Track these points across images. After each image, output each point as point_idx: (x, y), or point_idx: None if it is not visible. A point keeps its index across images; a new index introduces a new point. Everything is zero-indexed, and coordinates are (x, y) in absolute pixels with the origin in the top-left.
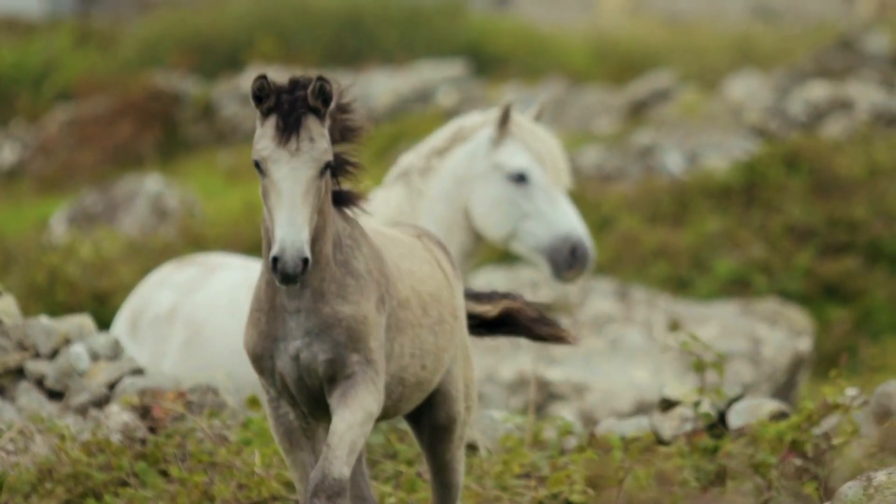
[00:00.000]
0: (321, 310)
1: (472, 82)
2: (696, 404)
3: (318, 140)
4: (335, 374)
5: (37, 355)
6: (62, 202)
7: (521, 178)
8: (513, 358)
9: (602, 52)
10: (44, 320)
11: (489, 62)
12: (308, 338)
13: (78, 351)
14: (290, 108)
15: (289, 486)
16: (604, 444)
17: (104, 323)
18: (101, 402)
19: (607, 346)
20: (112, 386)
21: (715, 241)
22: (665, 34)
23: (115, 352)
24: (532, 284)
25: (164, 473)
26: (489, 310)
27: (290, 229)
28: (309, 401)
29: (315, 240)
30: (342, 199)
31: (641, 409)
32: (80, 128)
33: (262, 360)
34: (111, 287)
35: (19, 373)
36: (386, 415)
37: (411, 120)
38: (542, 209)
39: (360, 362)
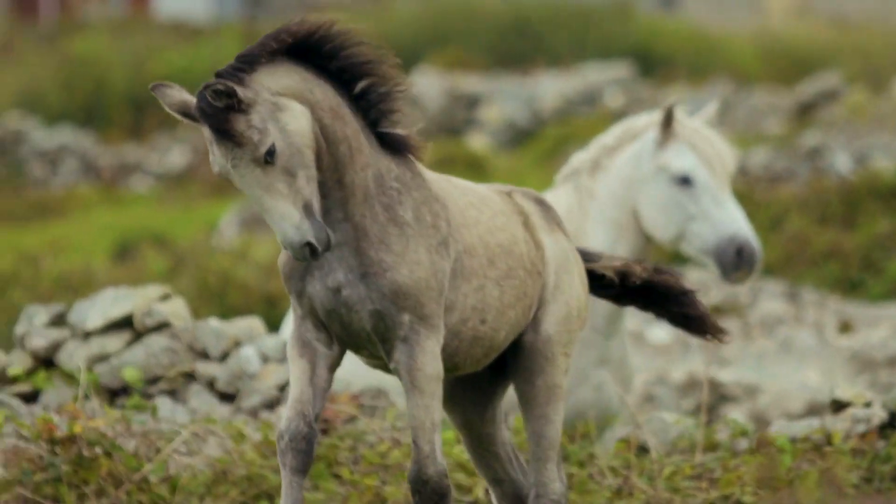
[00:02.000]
0: (366, 251)
1: (639, 84)
2: (868, 405)
3: (245, 143)
4: (386, 334)
5: (207, 358)
6: (232, 205)
7: (685, 180)
8: (684, 360)
9: (769, 53)
10: (214, 323)
11: (656, 63)
12: (352, 275)
13: (248, 353)
14: (209, 122)
15: (460, 488)
16: (774, 446)
17: (274, 325)
18: (272, 405)
19: (778, 348)
20: (283, 388)
21: (885, 241)
22: (833, 34)
23: (286, 354)
24: (702, 286)
25: (337, 476)
26: (605, 267)
27: (278, 228)
28: (342, 331)
29: (340, 171)
30: (387, 142)
31: (813, 410)
32: None
33: (290, 280)
34: (282, 289)
35: (190, 375)
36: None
37: (578, 122)
38: (708, 210)
39: (412, 322)
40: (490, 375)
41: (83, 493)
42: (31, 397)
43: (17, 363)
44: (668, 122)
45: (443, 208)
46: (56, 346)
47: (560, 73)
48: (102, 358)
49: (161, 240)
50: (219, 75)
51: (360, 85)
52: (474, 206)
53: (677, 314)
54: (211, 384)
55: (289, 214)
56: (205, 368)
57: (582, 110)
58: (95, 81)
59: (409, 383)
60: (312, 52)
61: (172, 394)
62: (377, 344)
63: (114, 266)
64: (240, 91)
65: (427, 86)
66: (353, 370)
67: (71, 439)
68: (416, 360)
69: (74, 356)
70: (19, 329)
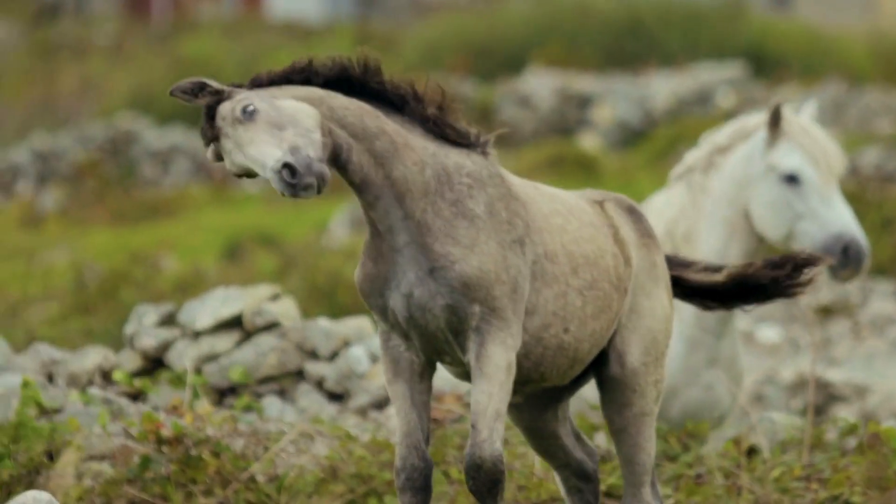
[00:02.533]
0: (431, 245)
1: (751, 84)
2: None
3: (222, 113)
4: (458, 326)
5: (317, 357)
6: (342, 205)
7: (793, 179)
8: (793, 359)
9: (882, 53)
10: (323, 322)
11: (769, 63)
12: (421, 273)
13: (357, 353)
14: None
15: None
16: (883, 446)
17: None
18: (381, 405)
19: (889, 348)
20: None
21: None
22: None
23: None
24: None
25: (445, 474)
26: (715, 277)
27: (260, 166)
28: (420, 339)
29: (386, 166)
30: (454, 141)
31: None
32: None
33: (370, 297)
34: None
35: (299, 375)
36: (528, 379)
37: (690, 123)
38: (815, 209)
39: (483, 313)
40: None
41: (191, 492)
42: (139, 396)
43: (126, 363)
44: (775, 121)
45: (522, 208)
46: (166, 346)
47: (672, 73)
48: (212, 358)
49: (271, 240)
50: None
51: (408, 98)
52: (560, 214)
53: (780, 289)
54: (320, 384)
55: (267, 154)
56: (314, 368)
57: (694, 110)
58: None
59: (477, 370)
60: (348, 85)
61: (281, 393)
62: (453, 344)
63: (224, 266)
64: (218, 86)
65: (538, 86)
66: None
67: (178, 439)
68: (485, 348)
69: (184, 356)
70: (129, 329)
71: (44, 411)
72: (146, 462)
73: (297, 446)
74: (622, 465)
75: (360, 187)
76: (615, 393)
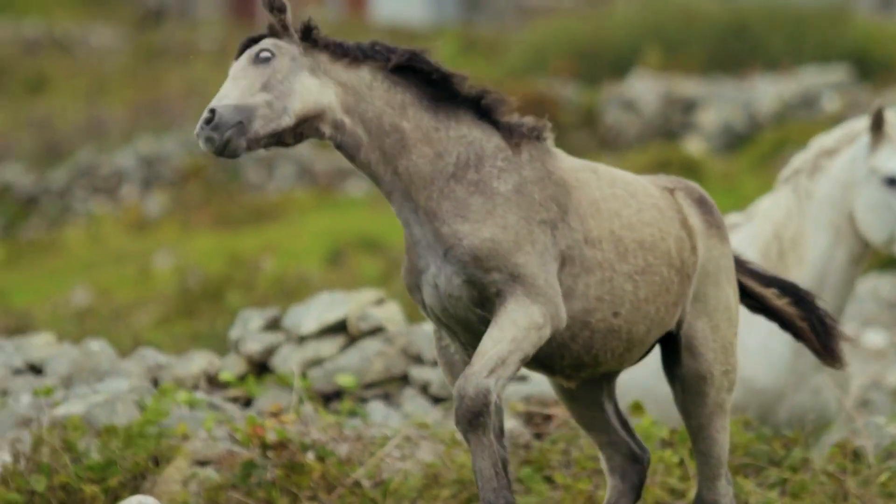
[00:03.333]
0: (439, 230)
1: (856, 87)
2: None
3: (260, 45)
4: (482, 300)
5: (421, 362)
6: None
7: (894, 182)
8: None
9: None
10: (428, 327)
11: (874, 67)
12: (438, 260)
13: None
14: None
15: (673, 492)
16: None
17: None
18: None
19: None
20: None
21: None
22: None
23: None
24: None
25: (549, 479)
26: (769, 298)
27: (216, 98)
28: (463, 331)
29: (392, 162)
30: (502, 128)
31: None
32: None
33: (412, 293)
34: None
35: (404, 379)
36: (581, 363)
37: (795, 126)
38: None
39: (504, 280)
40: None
41: (295, 497)
42: (245, 401)
43: (231, 367)
44: (878, 124)
45: (564, 194)
46: (270, 351)
47: (777, 77)
48: (316, 362)
49: (375, 244)
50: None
51: (468, 91)
52: (618, 198)
53: (811, 347)
54: (425, 388)
55: (227, 95)
56: (419, 373)
57: (799, 114)
58: None
59: (494, 321)
60: (411, 69)
61: (386, 398)
62: (486, 321)
63: (328, 270)
64: (287, 19)
65: (643, 89)
66: None
67: (283, 444)
68: (507, 306)
69: (289, 360)
70: (234, 333)
71: (152, 417)
72: (251, 467)
73: (401, 451)
74: (697, 459)
75: (375, 183)
76: (688, 385)
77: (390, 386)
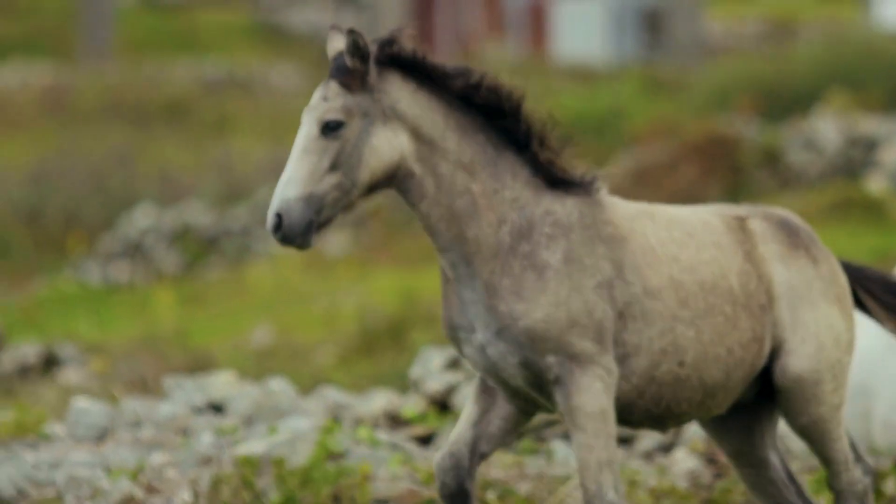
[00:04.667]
0: (496, 307)
1: None
2: None
3: (331, 99)
4: (539, 382)
5: None
6: None
7: None
8: None
9: None
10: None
11: None
12: (489, 333)
13: None
14: (338, 59)
15: None
16: None
17: None
18: (667, 448)
19: None
20: (677, 432)
21: None
22: None
23: None
24: None
25: None
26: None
27: (277, 188)
28: (505, 391)
29: (460, 225)
30: (558, 185)
31: None
32: (644, 172)
33: (452, 342)
34: None
35: None
36: (654, 416)
37: None
38: None
39: (561, 363)
40: (755, 405)
41: None
42: (426, 440)
43: (412, 406)
44: None
45: (617, 249)
46: (451, 389)
47: None
48: None
49: None
50: (384, 41)
51: (533, 141)
52: (676, 241)
53: None
54: None
55: (293, 183)
56: None
57: None
58: None
59: (571, 422)
60: (486, 104)
61: (566, 437)
62: (539, 399)
63: None
64: (370, 66)
65: (825, 128)
66: None
67: None
68: (572, 400)
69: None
70: (415, 372)
71: (330, 455)
72: None
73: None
74: (824, 466)
75: (430, 234)
76: (786, 403)
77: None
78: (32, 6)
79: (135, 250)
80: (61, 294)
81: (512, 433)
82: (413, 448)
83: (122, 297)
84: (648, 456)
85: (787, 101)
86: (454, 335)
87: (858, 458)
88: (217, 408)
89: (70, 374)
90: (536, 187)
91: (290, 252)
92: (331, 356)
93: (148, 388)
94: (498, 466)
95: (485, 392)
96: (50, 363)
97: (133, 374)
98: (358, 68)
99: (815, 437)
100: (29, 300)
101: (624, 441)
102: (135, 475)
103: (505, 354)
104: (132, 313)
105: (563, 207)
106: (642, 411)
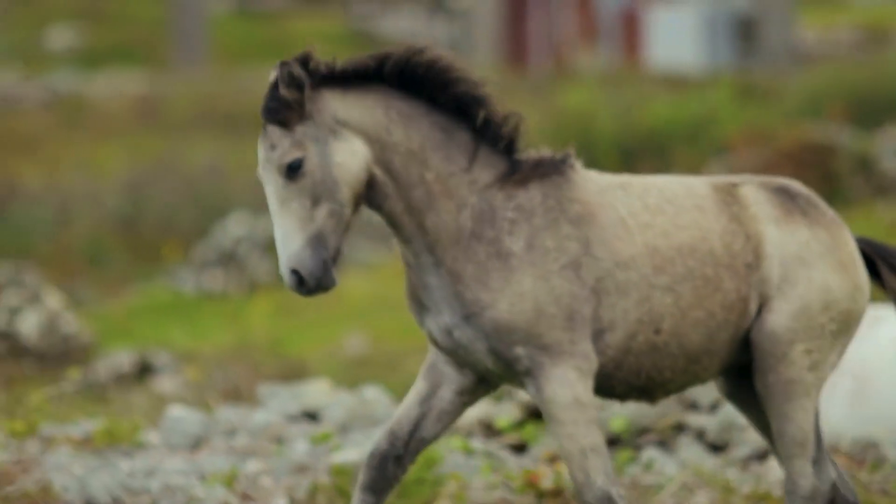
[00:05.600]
0: (463, 293)
1: None
2: None
3: (278, 144)
4: (507, 371)
5: (697, 409)
6: None
7: None
8: None
9: None
10: None
11: None
12: (456, 318)
13: None
14: (270, 101)
15: None
16: None
17: None
18: (762, 456)
19: None
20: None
21: None
22: None
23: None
24: None
25: None
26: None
27: (278, 247)
28: (464, 366)
29: (418, 216)
30: (519, 168)
31: None
32: None
33: (413, 314)
34: None
35: (679, 426)
36: (639, 388)
37: None
38: None
39: (530, 356)
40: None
41: None
42: (520, 449)
43: (506, 414)
44: None
45: (584, 226)
46: None
47: None
48: None
49: None
50: (301, 61)
51: (480, 117)
52: (649, 208)
53: None
54: (700, 435)
55: (291, 236)
56: (694, 420)
57: None
58: (584, 131)
59: (546, 415)
60: (421, 83)
61: (662, 445)
62: (505, 379)
63: None
64: (306, 94)
65: None
66: (848, 419)
67: (557, 491)
68: (544, 392)
69: None
70: None
71: (426, 463)
72: None
73: (677, 498)
74: (775, 439)
75: (392, 228)
76: (758, 360)
77: (665, 432)
78: (126, 15)
79: (228, 259)
80: (155, 302)
81: (468, 406)
82: (507, 456)
83: (216, 305)
84: (744, 464)
85: (880, 108)
86: (419, 313)
87: (820, 457)
88: (311, 416)
89: (164, 383)
90: (495, 168)
91: (385, 259)
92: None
93: (242, 396)
94: None
95: (431, 369)
96: (144, 371)
97: (227, 383)
98: (296, 98)
99: (776, 400)
100: (123, 308)
101: (718, 449)
102: (229, 483)
103: (473, 340)
104: (226, 322)
105: (526, 191)
106: (623, 384)
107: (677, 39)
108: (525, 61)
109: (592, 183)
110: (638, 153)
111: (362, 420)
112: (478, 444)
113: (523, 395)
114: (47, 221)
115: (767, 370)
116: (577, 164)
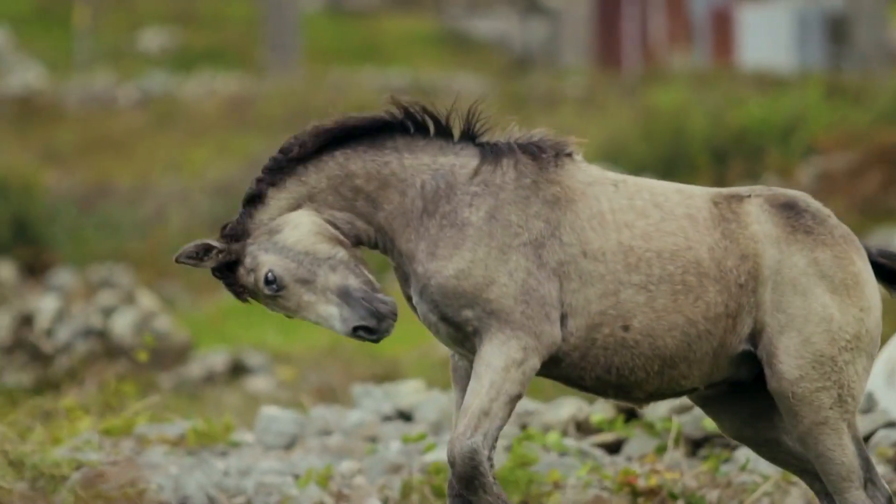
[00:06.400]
0: (415, 269)
1: None
2: None
3: (249, 288)
4: (462, 338)
5: None
6: None
7: None
8: None
9: None
10: None
11: None
12: (416, 294)
13: None
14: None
15: None
16: None
17: None
18: None
19: None
20: (867, 438)
21: None
22: None
23: (869, 404)
24: None
25: None
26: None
27: (330, 326)
28: (452, 346)
29: (369, 219)
30: (493, 149)
31: None
32: (828, 180)
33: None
34: None
35: None
36: (612, 384)
37: None
38: None
39: (477, 317)
40: (755, 389)
41: None
42: (614, 447)
43: (600, 412)
44: None
45: (557, 209)
46: None
47: None
48: (686, 408)
49: None
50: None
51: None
52: (635, 209)
53: None
54: None
55: (327, 315)
56: None
57: None
58: (675, 132)
59: (473, 370)
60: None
61: None
62: (470, 352)
63: None
64: (221, 245)
65: None
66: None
67: (654, 491)
68: (481, 349)
69: (658, 406)
70: None
71: (521, 462)
72: None
73: (771, 498)
74: (823, 478)
75: (365, 245)
76: (781, 406)
77: None
78: (219, 17)
79: None
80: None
81: None
82: (601, 455)
83: None
84: None
85: None
86: (409, 301)
87: (871, 479)
88: (405, 416)
89: (257, 383)
90: (459, 154)
91: None
92: None
93: (335, 396)
94: (690, 474)
95: (455, 371)
96: (237, 371)
97: (320, 383)
98: (225, 259)
99: (809, 444)
100: (216, 309)
101: None
102: (324, 482)
103: (428, 313)
104: None
105: (498, 168)
106: (594, 378)
107: (769, 39)
108: (618, 62)
109: (584, 174)
110: (729, 153)
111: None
112: (571, 442)
113: None
114: (139, 222)
115: (792, 417)
116: (577, 153)
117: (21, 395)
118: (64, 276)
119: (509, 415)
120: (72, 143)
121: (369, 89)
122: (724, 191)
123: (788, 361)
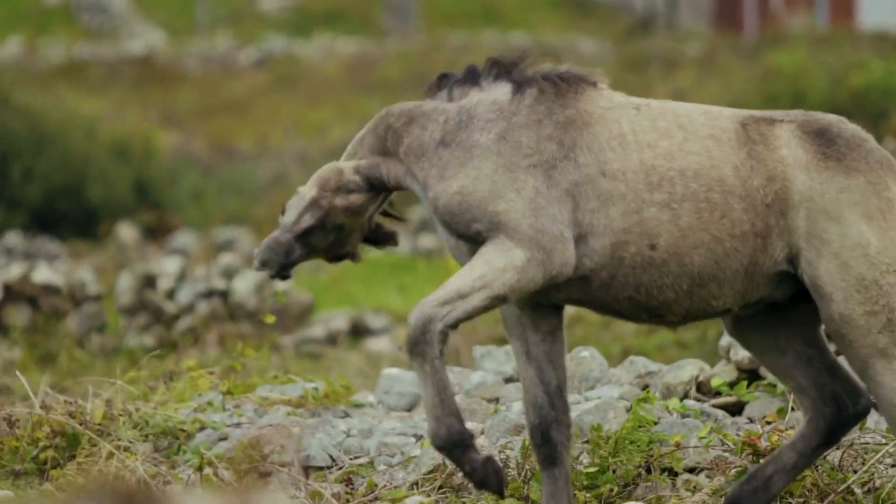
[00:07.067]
0: (428, 196)
1: None
2: None
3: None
4: (477, 248)
5: None
6: None
7: None
8: None
9: None
10: None
11: None
12: (436, 222)
13: None
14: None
15: None
16: None
17: None
18: None
19: None
20: None
21: None
22: None
23: None
24: None
25: None
26: None
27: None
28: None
29: (395, 146)
30: (514, 80)
31: None
32: None
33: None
34: None
35: None
36: (644, 305)
37: None
38: None
39: (486, 229)
40: (778, 313)
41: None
42: (735, 409)
43: (721, 375)
44: None
45: (572, 130)
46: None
47: None
48: None
49: None
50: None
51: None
52: (658, 129)
53: None
54: None
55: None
56: None
57: None
58: (795, 94)
59: (469, 261)
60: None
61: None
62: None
63: None
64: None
65: None
66: None
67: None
68: (485, 247)
69: None
70: (724, 341)
71: (642, 423)
72: (743, 475)
73: (894, 458)
74: (877, 406)
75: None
76: (829, 328)
77: None
78: None
79: None
80: (369, 264)
81: (558, 331)
82: (723, 416)
83: (431, 265)
84: None
85: None
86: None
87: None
88: None
89: (379, 344)
90: (491, 89)
91: None
92: (635, 326)
93: (457, 358)
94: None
95: (507, 322)
96: (358, 332)
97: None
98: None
99: (860, 369)
100: (337, 270)
101: None
102: None
103: (447, 238)
104: (440, 282)
105: (518, 96)
106: (626, 299)
107: (888, 1)
108: (737, 25)
109: (605, 99)
110: (850, 116)
111: (577, 380)
112: (692, 403)
113: (740, 354)
114: (260, 185)
115: (841, 339)
116: (602, 83)
117: (143, 356)
118: (186, 239)
119: (484, 310)
120: (192, 106)
121: (489, 52)
122: (757, 113)
123: (832, 284)
